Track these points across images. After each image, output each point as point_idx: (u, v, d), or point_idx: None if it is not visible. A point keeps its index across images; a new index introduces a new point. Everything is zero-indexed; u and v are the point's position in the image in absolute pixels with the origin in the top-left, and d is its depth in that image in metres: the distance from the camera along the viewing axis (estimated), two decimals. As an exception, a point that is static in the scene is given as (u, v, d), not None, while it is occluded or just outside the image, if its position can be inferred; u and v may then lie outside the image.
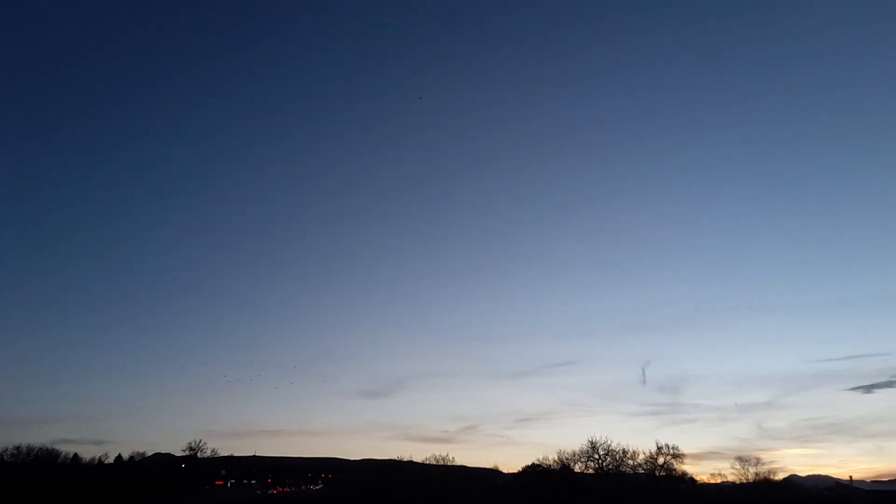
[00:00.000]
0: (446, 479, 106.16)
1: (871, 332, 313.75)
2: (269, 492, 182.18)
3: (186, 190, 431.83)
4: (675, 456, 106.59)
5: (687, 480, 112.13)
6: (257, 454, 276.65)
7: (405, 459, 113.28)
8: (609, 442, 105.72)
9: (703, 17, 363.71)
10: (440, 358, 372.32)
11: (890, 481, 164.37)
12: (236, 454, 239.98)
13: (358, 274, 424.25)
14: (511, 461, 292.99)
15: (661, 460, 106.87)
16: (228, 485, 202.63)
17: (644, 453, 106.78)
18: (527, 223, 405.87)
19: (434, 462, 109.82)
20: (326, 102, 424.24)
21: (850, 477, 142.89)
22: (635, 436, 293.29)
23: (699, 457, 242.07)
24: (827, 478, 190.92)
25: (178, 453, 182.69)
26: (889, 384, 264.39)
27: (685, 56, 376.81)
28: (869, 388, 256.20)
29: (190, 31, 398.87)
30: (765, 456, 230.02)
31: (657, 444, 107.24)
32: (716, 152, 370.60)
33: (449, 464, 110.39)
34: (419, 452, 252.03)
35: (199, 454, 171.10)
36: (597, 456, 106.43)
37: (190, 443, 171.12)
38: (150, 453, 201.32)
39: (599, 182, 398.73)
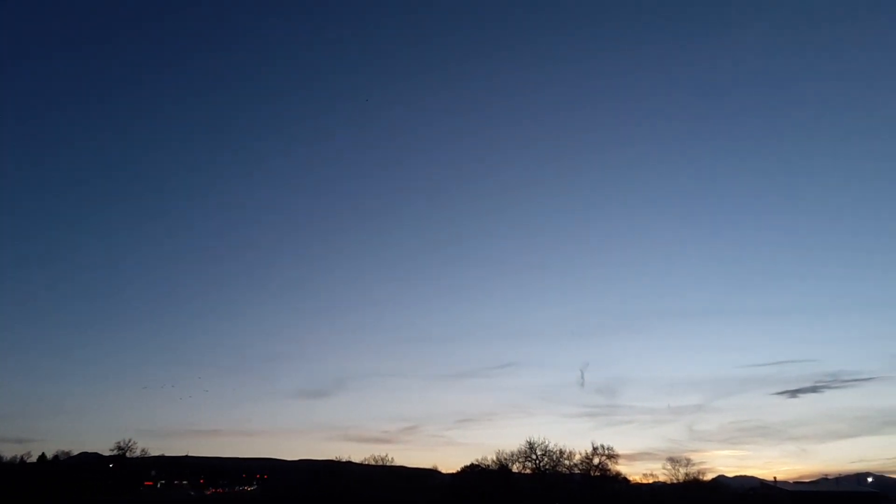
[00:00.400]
0: (384, 480, 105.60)
1: (797, 340, 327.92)
2: (203, 493, 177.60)
3: (117, 190, 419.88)
4: (610, 456, 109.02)
5: (620, 480, 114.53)
6: (190, 454, 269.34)
7: (344, 460, 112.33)
8: (547, 443, 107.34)
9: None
10: (381, 358, 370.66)
11: (811, 482, 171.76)
12: (168, 454, 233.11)
13: (299, 273, 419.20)
14: (451, 462, 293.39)
15: (596, 461, 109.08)
16: (158, 486, 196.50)
17: (580, 454, 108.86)
18: (470, 226, 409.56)
19: (373, 462, 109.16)
20: (263, 103, 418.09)
21: (775, 478, 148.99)
22: (572, 437, 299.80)
23: (633, 457, 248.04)
24: (752, 478, 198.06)
25: (106, 453, 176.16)
26: (813, 389, 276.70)
27: (602, 57, 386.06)
28: (794, 393, 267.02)
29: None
30: (695, 457, 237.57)
31: (593, 445, 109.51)
32: (652, 162, 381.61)
33: (388, 464, 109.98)
34: (358, 453, 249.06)
35: (128, 454, 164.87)
36: (534, 456, 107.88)
37: (119, 442, 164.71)
38: (76, 452, 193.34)
39: (541, 187, 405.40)
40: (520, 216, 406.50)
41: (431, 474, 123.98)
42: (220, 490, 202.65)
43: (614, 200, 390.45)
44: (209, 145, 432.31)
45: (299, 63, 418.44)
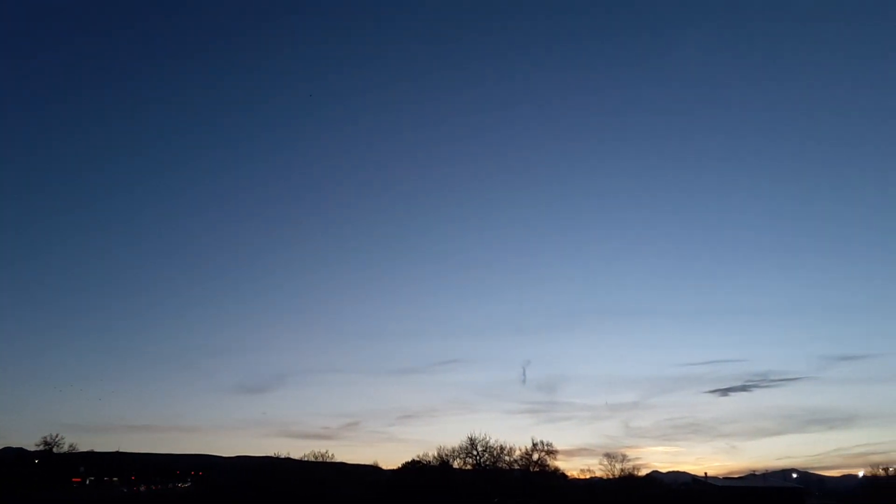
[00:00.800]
0: (325, 476, 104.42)
1: (729, 340, 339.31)
2: (135, 490, 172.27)
3: (39, 182, 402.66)
4: (549, 452, 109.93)
5: (559, 476, 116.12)
6: (121, 450, 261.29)
7: (283, 456, 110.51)
8: (488, 439, 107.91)
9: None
10: (322, 354, 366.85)
11: (740, 477, 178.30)
12: (98, 450, 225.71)
13: (238, 265, 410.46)
14: (392, 458, 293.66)
15: (535, 456, 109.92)
16: (88, 482, 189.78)
17: (520, 450, 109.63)
18: (413, 222, 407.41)
19: (313, 459, 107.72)
20: (220, 99, 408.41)
21: (706, 473, 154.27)
22: (513, 433, 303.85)
23: (571, 453, 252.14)
24: (685, 474, 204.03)
25: (32, 448, 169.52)
26: (743, 388, 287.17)
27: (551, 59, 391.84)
28: (725, 392, 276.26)
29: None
30: (631, 453, 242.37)
31: (533, 441, 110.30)
32: (591, 163, 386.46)
33: (328, 461, 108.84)
34: (298, 449, 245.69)
35: (55, 449, 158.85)
36: (475, 452, 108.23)
37: (45, 437, 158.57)
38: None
39: (485, 184, 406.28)
40: (463, 214, 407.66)
41: (373, 470, 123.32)
42: (154, 487, 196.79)
43: (556, 200, 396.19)
44: (150, 138, 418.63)
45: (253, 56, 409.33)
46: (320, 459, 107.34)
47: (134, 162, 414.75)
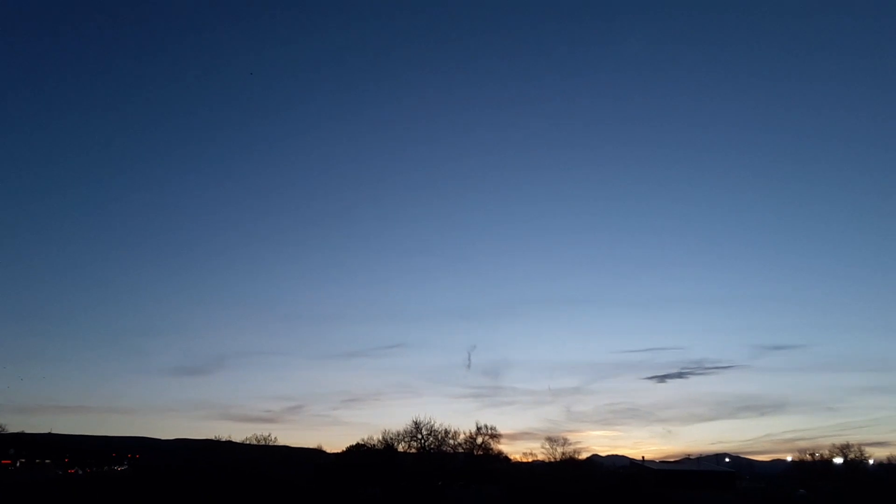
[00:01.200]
0: (266, 460, 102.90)
1: (667, 329, 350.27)
2: (68, 473, 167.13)
3: None
4: (493, 436, 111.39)
5: (502, 459, 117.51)
6: (53, 432, 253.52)
7: (223, 439, 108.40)
8: (432, 422, 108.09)
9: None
10: (265, 336, 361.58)
11: (675, 461, 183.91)
12: (28, 431, 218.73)
13: (178, 243, 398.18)
14: (337, 442, 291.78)
15: (479, 440, 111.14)
16: (18, 465, 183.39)
17: (465, 433, 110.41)
18: (359, 204, 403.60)
19: (255, 442, 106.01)
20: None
21: (643, 457, 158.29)
22: (458, 417, 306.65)
23: (514, 437, 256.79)
24: (623, 457, 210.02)
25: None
26: (679, 375, 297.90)
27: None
28: (662, 378, 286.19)
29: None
30: (572, 437, 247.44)
31: (477, 425, 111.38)
32: (537, 151, 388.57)
33: (271, 444, 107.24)
34: (239, 433, 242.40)
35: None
36: (420, 436, 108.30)
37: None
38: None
39: (431, 168, 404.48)
40: (410, 199, 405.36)
41: (316, 454, 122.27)
42: (88, 470, 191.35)
43: (501, 187, 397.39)
44: (82, 119, 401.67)
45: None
46: (262, 443, 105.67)
47: (64, 138, 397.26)
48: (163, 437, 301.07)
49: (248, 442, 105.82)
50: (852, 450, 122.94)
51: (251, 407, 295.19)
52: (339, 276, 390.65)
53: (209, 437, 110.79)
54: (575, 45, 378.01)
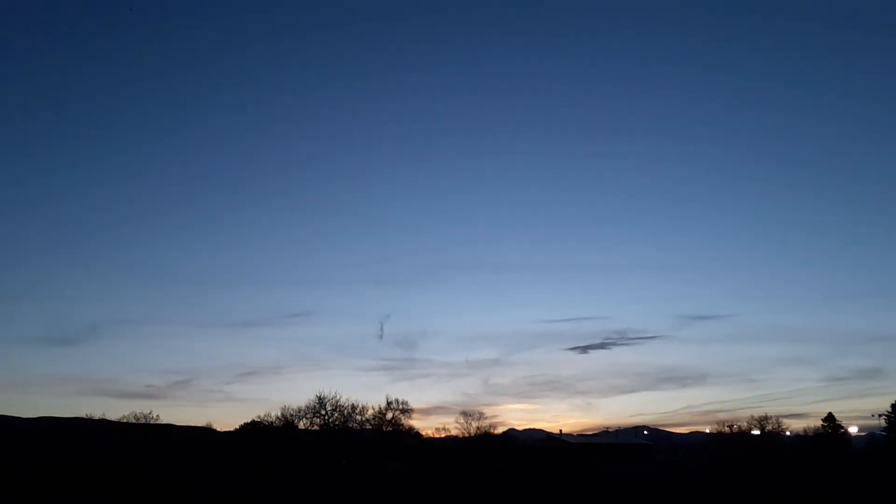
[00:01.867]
0: (146, 440, 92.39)
1: (590, 298, 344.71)
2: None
3: None
4: (404, 411, 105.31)
5: (413, 435, 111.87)
6: None
7: (96, 417, 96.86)
8: (338, 397, 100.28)
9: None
10: (147, 302, 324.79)
11: (593, 434, 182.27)
12: None
13: (42, 196, 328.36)
14: (230, 419, 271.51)
15: (389, 416, 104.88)
16: None
17: (374, 409, 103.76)
18: (262, 157, 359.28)
19: (133, 421, 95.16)
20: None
21: (560, 430, 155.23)
22: (368, 391, 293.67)
23: (428, 412, 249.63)
24: (541, 431, 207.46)
25: None
26: (602, 346, 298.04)
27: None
28: (584, 349, 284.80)
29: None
30: (488, 411, 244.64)
31: (387, 400, 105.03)
32: (459, 114, 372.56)
33: (152, 422, 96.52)
34: (116, 410, 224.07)
35: None
36: (324, 412, 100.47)
37: None
38: None
39: (346, 129, 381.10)
40: (318, 154, 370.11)
41: (205, 433, 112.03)
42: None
43: (418, 149, 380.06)
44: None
45: None
46: (142, 421, 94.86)
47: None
48: (23, 416, 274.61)
49: (125, 420, 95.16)
50: (770, 421, 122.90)
51: (130, 381, 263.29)
52: (236, 236, 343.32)
53: (80, 416, 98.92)
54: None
